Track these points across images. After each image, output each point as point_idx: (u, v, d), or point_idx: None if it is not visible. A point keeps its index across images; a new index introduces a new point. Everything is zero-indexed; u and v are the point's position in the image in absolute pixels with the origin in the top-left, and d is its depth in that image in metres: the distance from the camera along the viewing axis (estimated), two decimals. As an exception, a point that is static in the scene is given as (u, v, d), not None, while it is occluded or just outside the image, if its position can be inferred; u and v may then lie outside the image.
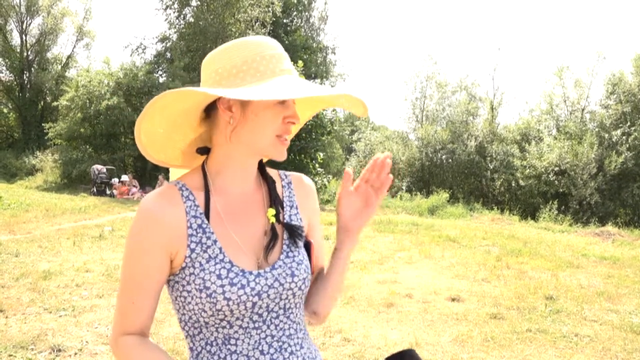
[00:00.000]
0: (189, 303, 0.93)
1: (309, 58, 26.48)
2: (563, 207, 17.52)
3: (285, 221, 1.04)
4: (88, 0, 31.03)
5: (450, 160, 22.31)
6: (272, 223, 1.01)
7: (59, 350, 3.49)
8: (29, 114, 28.82)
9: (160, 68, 23.04)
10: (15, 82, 29.85)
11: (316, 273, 1.11)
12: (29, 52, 29.98)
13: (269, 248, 0.98)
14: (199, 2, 20.91)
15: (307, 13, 30.55)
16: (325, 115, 17.20)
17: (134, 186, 17.52)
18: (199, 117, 0.99)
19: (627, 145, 18.80)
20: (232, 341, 0.94)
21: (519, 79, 58.44)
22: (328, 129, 17.43)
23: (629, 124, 19.40)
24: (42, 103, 29.60)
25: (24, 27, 29.78)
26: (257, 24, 21.30)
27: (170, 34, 22.84)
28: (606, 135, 19.57)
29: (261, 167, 1.07)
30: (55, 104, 22.91)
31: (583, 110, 22.15)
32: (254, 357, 0.94)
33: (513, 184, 20.05)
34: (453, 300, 5.19)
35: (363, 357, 3.59)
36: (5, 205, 10.99)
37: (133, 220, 0.94)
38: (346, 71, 53.63)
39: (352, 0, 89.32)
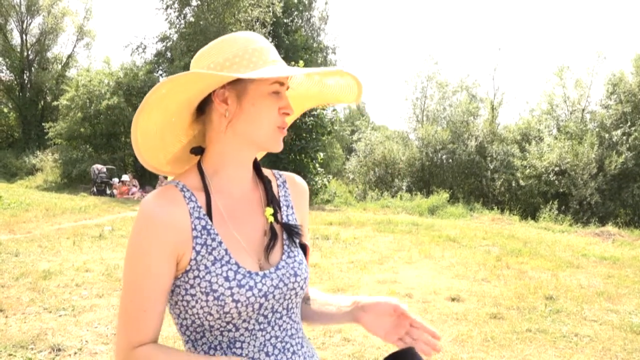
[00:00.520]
0: (193, 307, 0.90)
1: (310, 58, 26.44)
2: (563, 207, 17.49)
3: (283, 221, 1.03)
4: (88, 0, 31.10)
5: (450, 160, 22.27)
6: (271, 223, 1.00)
7: (59, 350, 3.49)
8: (29, 114, 28.80)
9: (161, 68, 23.07)
10: (15, 82, 29.83)
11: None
12: (29, 52, 29.97)
13: (269, 248, 0.98)
14: (199, 2, 20.89)
15: (307, 13, 30.53)
16: (325, 115, 17.15)
17: (134, 186, 17.53)
18: (193, 115, 0.99)
19: (628, 146, 18.78)
20: (238, 344, 0.93)
21: (520, 79, 58.57)
22: (328, 129, 17.39)
23: (629, 124, 19.38)
24: (42, 103, 29.60)
25: (24, 26, 29.79)
26: (257, 24, 21.29)
27: (170, 34, 22.85)
28: (606, 135, 19.55)
29: (256, 166, 1.06)
30: (55, 103, 22.95)
31: (583, 110, 22.14)
32: (259, 359, 0.94)
33: (513, 184, 20.02)
34: (453, 300, 5.19)
35: (363, 356, 3.59)
36: (5, 205, 11.00)
37: (135, 223, 0.90)
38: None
39: (353, 0, 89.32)
